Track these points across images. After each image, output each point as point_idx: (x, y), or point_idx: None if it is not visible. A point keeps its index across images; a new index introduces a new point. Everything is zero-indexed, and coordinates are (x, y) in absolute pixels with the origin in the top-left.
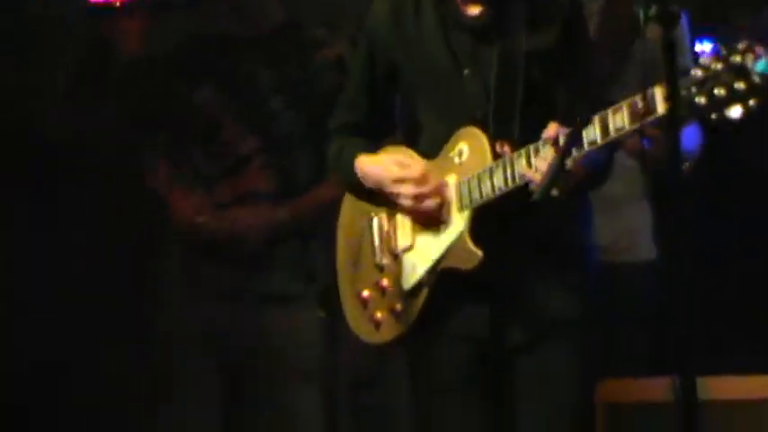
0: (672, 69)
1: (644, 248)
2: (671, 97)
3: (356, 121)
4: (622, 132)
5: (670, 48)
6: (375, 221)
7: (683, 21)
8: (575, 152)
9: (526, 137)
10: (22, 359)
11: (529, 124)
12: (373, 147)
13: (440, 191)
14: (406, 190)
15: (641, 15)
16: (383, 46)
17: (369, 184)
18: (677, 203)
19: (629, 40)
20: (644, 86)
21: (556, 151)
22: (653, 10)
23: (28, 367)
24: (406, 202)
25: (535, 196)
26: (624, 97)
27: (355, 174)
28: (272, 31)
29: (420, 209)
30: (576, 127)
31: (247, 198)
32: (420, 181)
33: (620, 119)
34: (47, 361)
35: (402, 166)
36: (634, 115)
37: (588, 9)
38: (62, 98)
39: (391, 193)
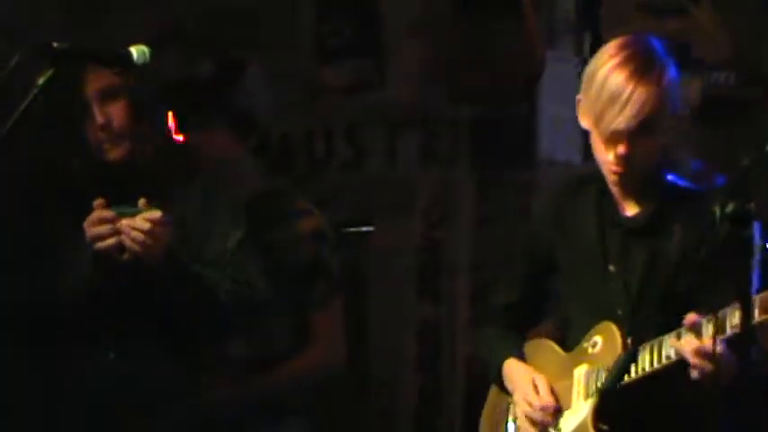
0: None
1: None
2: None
3: (510, 302)
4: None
5: (745, 245)
6: (511, 408)
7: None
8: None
9: (659, 335)
10: None
11: (664, 325)
12: (521, 336)
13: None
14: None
15: (717, 213)
16: (545, 238)
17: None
18: None
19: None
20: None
21: (696, 338)
22: (729, 207)
23: None
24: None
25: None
26: None
27: (501, 374)
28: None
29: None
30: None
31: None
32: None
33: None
34: None
35: (535, 393)
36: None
37: None
38: None
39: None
